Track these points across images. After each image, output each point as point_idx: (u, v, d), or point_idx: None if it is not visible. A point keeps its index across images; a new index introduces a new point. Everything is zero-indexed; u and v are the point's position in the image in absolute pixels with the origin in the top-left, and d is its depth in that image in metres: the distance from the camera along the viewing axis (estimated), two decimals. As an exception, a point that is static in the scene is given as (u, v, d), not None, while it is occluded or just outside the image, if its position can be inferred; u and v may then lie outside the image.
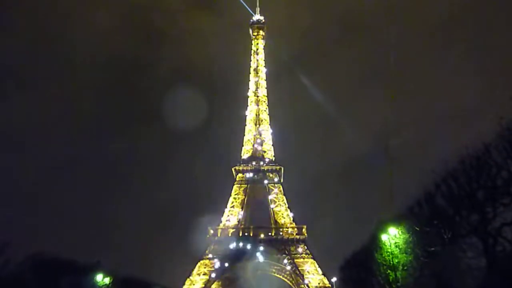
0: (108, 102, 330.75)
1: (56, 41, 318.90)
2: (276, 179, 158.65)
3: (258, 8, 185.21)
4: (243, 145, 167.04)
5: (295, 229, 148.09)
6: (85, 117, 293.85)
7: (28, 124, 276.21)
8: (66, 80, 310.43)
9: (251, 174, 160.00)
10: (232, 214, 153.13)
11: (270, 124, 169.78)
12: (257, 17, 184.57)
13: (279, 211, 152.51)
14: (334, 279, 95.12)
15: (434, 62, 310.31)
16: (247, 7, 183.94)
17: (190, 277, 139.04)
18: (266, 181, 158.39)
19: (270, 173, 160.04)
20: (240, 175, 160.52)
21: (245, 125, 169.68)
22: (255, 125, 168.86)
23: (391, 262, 41.94)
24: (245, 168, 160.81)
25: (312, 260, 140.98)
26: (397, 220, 41.89)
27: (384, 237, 43.27)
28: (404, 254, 40.21)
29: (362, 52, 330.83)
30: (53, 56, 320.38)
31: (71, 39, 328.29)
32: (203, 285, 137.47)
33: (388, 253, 42.55)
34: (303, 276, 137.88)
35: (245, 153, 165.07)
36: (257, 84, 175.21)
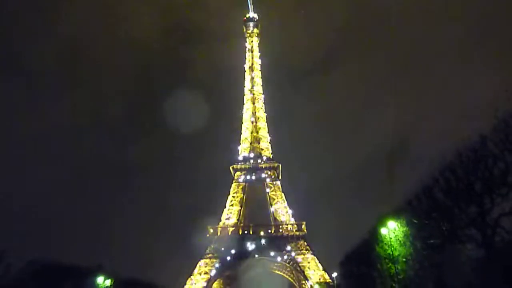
0: (130, 107, 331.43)
1: (89, 46, 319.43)
2: (274, 177, 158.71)
3: (252, 6, 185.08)
4: (240, 144, 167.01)
5: (295, 225, 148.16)
6: (107, 123, 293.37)
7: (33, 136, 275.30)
8: (96, 84, 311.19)
9: (249, 172, 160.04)
10: (232, 213, 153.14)
11: (267, 122, 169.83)
12: (251, 14, 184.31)
13: (278, 208, 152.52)
14: (334, 274, 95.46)
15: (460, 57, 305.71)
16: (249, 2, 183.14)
17: (191, 276, 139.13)
18: (264, 179, 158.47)
19: (268, 171, 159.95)
20: (238, 173, 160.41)
21: (242, 123, 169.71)
22: (252, 123, 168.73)
23: (392, 255, 42.20)
24: (243, 167, 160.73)
25: (312, 256, 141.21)
26: (396, 214, 42.14)
27: (383, 230, 43.55)
28: (404, 247, 40.46)
29: (378, 52, 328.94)
30: (86, 61, 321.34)
31: (101, 45, 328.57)
32: (205, 284, 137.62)
33: (388, 246, 42.81)
34: (303, 272, 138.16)
35: (243, 152, 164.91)
36: (253, 82, 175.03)
